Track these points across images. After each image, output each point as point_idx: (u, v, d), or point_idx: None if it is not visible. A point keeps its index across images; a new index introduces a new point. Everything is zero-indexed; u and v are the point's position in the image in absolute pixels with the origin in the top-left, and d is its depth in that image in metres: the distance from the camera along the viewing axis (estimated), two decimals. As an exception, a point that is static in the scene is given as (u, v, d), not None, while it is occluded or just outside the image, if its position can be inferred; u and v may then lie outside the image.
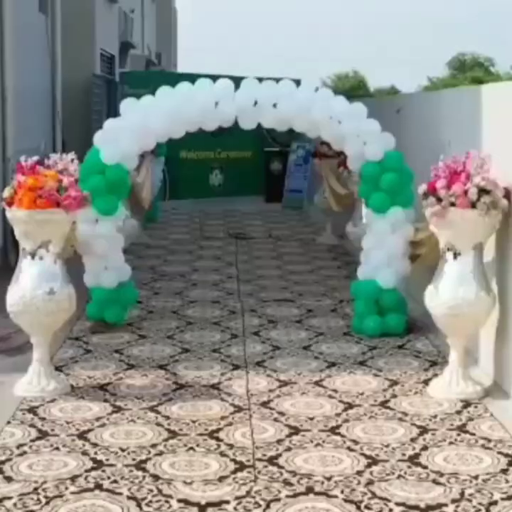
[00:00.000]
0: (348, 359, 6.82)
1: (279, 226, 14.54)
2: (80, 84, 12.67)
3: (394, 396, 5.96)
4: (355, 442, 5.16)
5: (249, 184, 18.42)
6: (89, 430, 5.32)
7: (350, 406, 5.77)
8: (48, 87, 11.98)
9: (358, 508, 4.33)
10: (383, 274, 7.44)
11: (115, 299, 7.58)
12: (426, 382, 6.23)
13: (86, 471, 4.74)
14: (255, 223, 14.89)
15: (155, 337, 7.43)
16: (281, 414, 5.61)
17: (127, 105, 7.28)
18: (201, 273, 10.28)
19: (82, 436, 5.23)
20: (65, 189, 5.78)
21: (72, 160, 6.00)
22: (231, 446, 5.10)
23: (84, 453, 4.98)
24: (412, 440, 5.19)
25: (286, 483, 4.61)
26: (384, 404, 5.81)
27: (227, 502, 4.38)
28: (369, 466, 4.83)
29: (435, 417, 5.57)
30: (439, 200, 5.79)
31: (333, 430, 5.35)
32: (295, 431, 5.33)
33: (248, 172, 18.57)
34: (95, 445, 5.09)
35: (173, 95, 7.23)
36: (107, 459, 4.89)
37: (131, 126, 7.15)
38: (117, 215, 7.47)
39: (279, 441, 5.17)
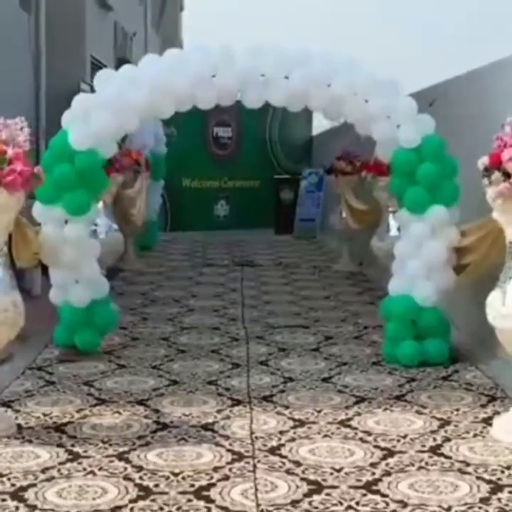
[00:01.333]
0: (382, 393, 5.31)
1: (290, 255, 13.09)
2: (68, 91, 11.31)
3: (447, 440, 4.44)
4: (403, 504, 3.64)
5: (258, 215, 16.96)
6: (30, 486, 3.82)
7: (390, 453, 4.25)
8: (30, 92, 10.66)
9: None
10: (421, 289, 5.96)
11: (88, 321, 6.11)
12: (486, 421, 4.72)
13: (12, 547, 3.24)
14: (263, 252, 13.44)
15: (137, 367, 5.95)
16: (297, 464, 4.11)
17: (102, 77, 5.87)
18: (200, 298, 8.81)
19: (16, 495, 3.72)
20: (9, 162, 4.35)
21: (22, 128, 4.57)
22: (226, 510, 3.59)
23: (15, 520, 3.48)
24: (483, 501, 3.68)
25: None
26: (436, 450, 4.29)
27: None
28: (426, 540, 3.32)
29: (508, 468, 4.04)
30: (507, 175, 4.33)
31: (370, 487, 3.83)
32: (316, 487, 3.82)
33: (256, 202, 17.12)
34: (33, 508, 3.59)
35: (159, 64, 5.83)
36: (45, 530, 3.39)
37: (107, 102, 5.73)
38: (90, 216, 6.03)
39: (294, 503, 3.66)
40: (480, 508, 3.60)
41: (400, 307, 5.99)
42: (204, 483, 3.86)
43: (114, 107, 5.71)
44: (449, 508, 3.60)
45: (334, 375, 5.75)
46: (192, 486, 3.83)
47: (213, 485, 3.83)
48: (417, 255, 5.96)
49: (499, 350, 5.28)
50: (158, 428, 4.61)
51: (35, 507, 3.59)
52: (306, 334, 7.05)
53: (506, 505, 3.63)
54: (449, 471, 4.01)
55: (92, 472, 3.98)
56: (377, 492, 3.76)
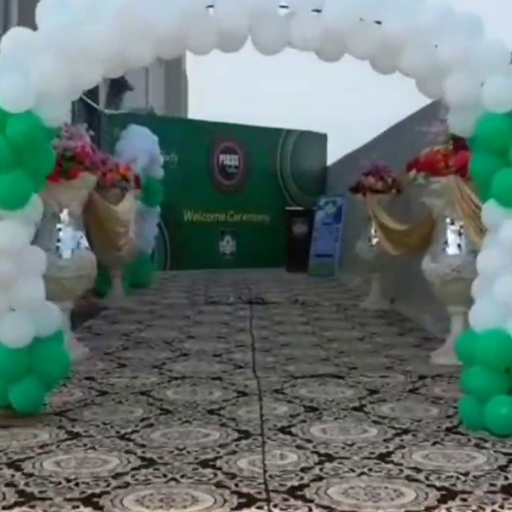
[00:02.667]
0: (476, 482, 3.33)
1: (307, 293, 11.17)
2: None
3: None
4: None
5: (268, 252, 15.15)
6: None
7: None
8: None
9: None
10: (520, 320, 4.01)
11: (29, 368, 4.17)
12: None
13: None
14: (276, 290, 11.52)
15: (97, 436, 3.99)
16: None
17: (47, 5, 3.99)
18: (198, 340, 6.87)
19: None
20: None
21: None
22: None
23: None
24: None
25: None
26: None
27: None
28: None
29: None
30: None
31: None
32: None
33: (266, 238, 15.33)
34: None
35: (132, -14, 3.95)
36: None
37: (55, 41, 3.86)
38: (31, 211, 4.11)
39: None
40: None
41: (487, 347, 4.03)
42: None
43: (66, 48, 3.83)
44: None
45: (394, 449, 3.78)
46: None
47: None
48: (512, 270, 4.03)
49: None
50: (110, 553, 2.65)
51: None
52: (341, 387, 5.10)
53: None
54: None
55: None
56: None
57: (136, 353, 6.22)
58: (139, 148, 10.47)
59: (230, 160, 15.50)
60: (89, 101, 11.66)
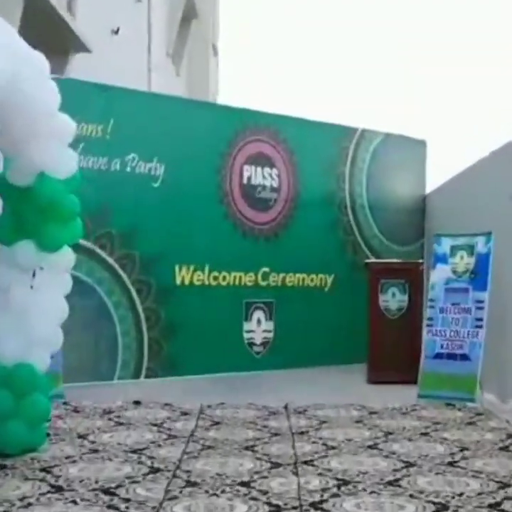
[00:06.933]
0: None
1: (461, 471, 3.88)
2: None
3: None
4: None
5: (332, 340, 8.77)
6: None
7: None
8: None
9: None
10: None
11: None
12: None
13: None
14: (357, 442, 4.33)
15: None
16: None
17: None
18: None
19: None
20: None
21: None
22: None
23: None
24: None
25: None
26: None
27: None
28: None
29: None
30: None
31: None
32: None
33: (328, 314, 8.96)
34: None
35: None
36: None
37: None
38: None
39: None
40: None
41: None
42: None
43: None
44: None
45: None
46: None
47: None
48: None
49: None
50: None
51: None
52: None
53: None
54: None
55: None
56: None
57: None
58: None
59: (262, 177, 8.77)
60: None
